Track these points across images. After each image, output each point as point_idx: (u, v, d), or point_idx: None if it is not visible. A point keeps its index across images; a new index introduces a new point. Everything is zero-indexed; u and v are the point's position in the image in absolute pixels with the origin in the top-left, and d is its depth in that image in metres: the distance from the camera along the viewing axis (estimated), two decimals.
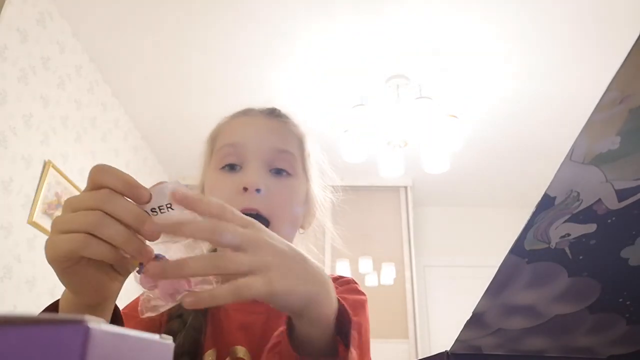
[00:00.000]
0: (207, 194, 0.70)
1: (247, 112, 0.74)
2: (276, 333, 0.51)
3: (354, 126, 2.54)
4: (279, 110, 0.75)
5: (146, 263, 0.38)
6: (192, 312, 0.65)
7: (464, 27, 2.44)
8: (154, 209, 0.38)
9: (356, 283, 0.72)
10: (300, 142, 0.73)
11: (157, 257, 0.39)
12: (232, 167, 0.67)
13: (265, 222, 0.61)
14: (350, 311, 0.45)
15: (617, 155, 0.29)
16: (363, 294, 0.69)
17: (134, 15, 2.39)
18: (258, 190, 0.63)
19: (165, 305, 0.39)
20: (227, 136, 0.70)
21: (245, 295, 0.36)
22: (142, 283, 0.39)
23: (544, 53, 2.61)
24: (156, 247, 0.39)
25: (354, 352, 0.44)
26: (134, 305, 0.65)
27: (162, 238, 0.38)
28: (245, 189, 0.63)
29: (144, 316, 0.39)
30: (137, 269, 0.39)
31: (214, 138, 0.74)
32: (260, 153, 0.66)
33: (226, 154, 0.67)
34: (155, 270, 0.36)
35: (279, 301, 0.38)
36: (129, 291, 0.64)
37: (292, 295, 0.38)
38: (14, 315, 0.14)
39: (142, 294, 0.40)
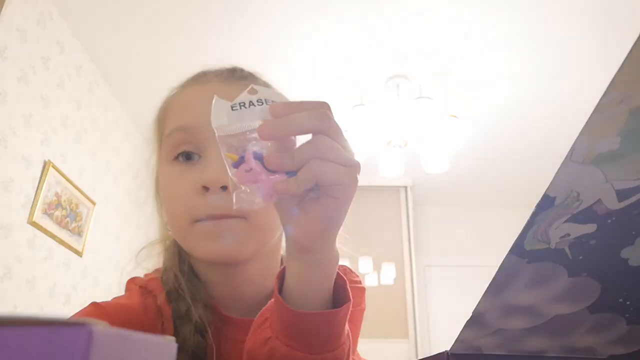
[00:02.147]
0: (162, 193, 0.57)
1: (199, 79, 0.58)
2: (264, 309, 0.47)
3: (354, 126, 2.54)
4: (242, 70, 0.59)
5: (247, 158, 0.36)
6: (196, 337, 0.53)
7: (464, 26, 2.44)
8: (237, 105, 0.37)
9: (348, 272, 0.61)
10: None
11: (255, 154, 0.36)
12: (188, 157, 0.53)
13: (240, 221, 0.51)
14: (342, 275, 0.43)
15: (617, 155, 0.29)
16: (360, 282, 0.62)
17: (135, 15, 2.39)
18: (224, 188, 0.49)
19: (261, 203, 0.36)
20: (177, 116, 0.55)
21: (328, 179, 0.34)
22: (240, 179, 0.36)
23: (544, 53, 2.61)
24: (249, 144, 0.37)
25: (348, 307, 0.41)
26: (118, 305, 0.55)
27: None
28: (207, 189, 0.50)
29: (235, 207, 0.36)
30: (234, 163, 0.36)
31: (162, 119, 0.59)
32: None
33: (178, 141, 0.53)
34: (269, 129, 0.34)
35: (339, 210, 0.36)
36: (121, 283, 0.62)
37: (343, 214, 0.37)
38: (16, 315, 0.14)
39: (235, 189, 0.37)
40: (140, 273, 0.62)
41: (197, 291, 0.55)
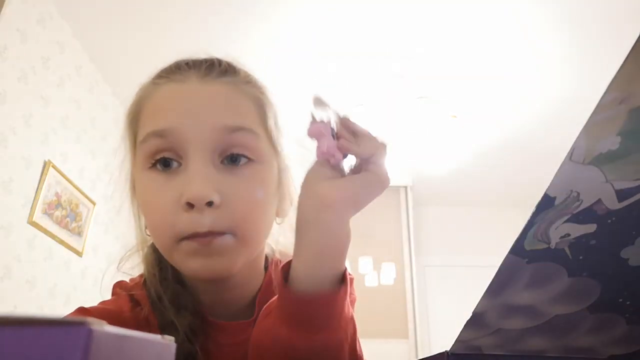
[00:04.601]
0: (141, 204, 0.53)
1: (174, 76, 0.52)
2: (269, 303, 0.47)
3: None
4: (220, 64, 0.54)
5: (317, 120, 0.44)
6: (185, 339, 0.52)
7: (464, 25, 2.44)
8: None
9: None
10: (259, 105, 0.52)
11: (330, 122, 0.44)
12: (166, 164, 0.48)
13: (228, 237, 0.47)
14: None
15: (617, 156, 0.29)
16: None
17: (134, 15, 2.39)
18: (210, 204, 0.45)
19: (320, 154, 0.44)
20: (152, 119, 0.49)
21: (379, 158, 0.42)
22: (310, 129, 0.44)
23: (544, 53, 2.61)
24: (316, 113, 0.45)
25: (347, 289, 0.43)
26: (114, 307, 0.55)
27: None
28: (191, 205, 0.45)
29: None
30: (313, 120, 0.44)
31: (135, 119, 0.53)
32: (204, 139, 0.47)
33: (155, 148, 0.48)
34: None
35: (375, 184, 0.42)
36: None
37: (372, 192, 0.42)
38: (16, 315, 0.14)
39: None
40: (125, 277, 0.60)
41: (182, 299, 0.54)
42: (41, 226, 2.23)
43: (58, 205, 2.37)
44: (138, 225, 0.58)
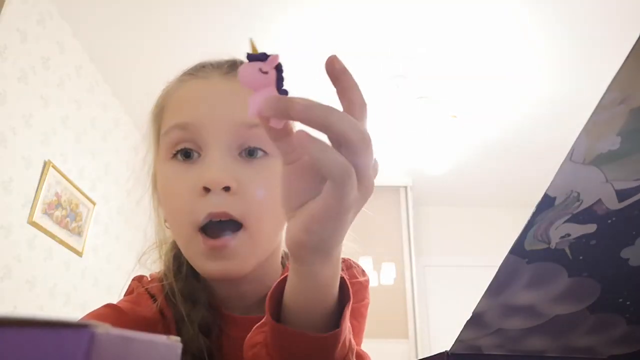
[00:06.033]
0: (160, 193, 0.55)
1: (198, 72, 0.55)
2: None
3: None
4: (241, 63, 0.55)
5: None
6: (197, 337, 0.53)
7: (464, 26, 2.44)
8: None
9: (354, 266, 0.62)
10: None
11: (280, 65, 0.32)
12: (187, 155, 0.50)
13: (238, 226, 0.48)
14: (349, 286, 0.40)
15: (617, 156, 0.29)
16: (364, 274, 0.62)
17: (134, 15, 2.39)
18: (226, 189, 0.47)
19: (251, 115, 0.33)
20: (175, 113, 0.53)
21: (346, 188, 0.30)
22: (244, 75, 0.33)
23: (543, 54, 2.61)
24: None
25: (347, 325, 0.39)
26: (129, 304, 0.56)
27: None
28: (207, 190, 0.47)
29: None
30: (252, 54, 0.32)
31: (159, 114, 0.57)
32: (224, 133, 0.49)
33: (177, 139, 0.51)
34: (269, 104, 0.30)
35: (348, 218, 0.33)
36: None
37: (348, 223, 0.33)
38: (17, 316, 0.14)
39: None
40: (145, 272, 0.62)
41: (198, 293, 0.55)
42: (41, 226, 2.23)
43: (58, 205, 2.37)
44: (158, 222, 0.60)
